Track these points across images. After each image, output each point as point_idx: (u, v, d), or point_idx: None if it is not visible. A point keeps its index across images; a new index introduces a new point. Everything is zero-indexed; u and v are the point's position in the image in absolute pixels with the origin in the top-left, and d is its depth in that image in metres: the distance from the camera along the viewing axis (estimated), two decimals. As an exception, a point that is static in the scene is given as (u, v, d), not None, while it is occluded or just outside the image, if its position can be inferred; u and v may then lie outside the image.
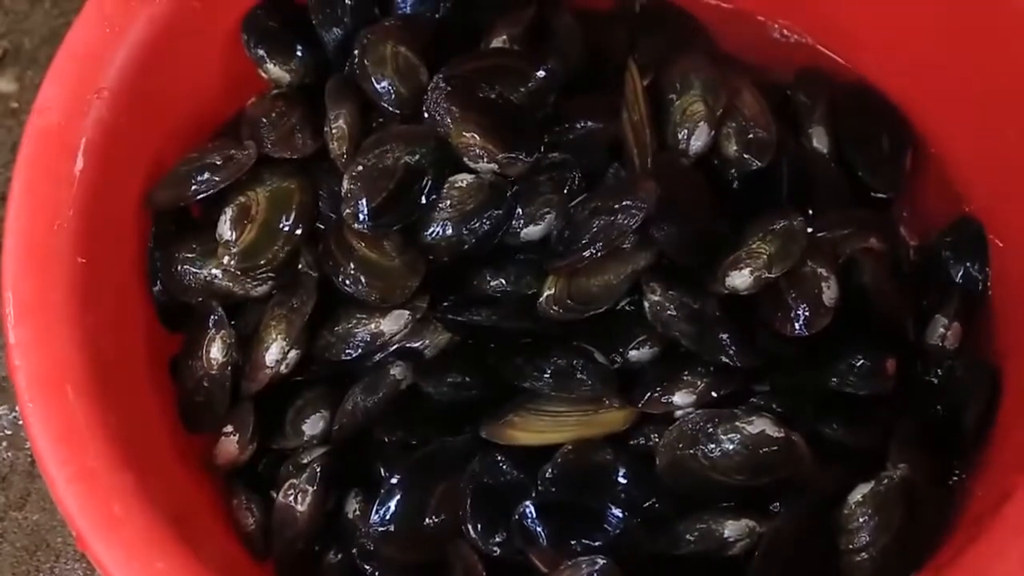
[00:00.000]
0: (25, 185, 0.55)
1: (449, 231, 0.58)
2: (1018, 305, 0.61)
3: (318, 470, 0.57)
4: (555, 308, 0.58)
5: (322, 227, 0.61)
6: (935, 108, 0.66)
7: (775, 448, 0.54)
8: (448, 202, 0.58)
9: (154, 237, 0.61)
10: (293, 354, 0.58)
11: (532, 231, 0.59)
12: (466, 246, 0.58)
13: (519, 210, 0.59)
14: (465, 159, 0.59)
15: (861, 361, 0.57)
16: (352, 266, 0.57)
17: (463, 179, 0.59)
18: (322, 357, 0.59)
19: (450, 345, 0.60)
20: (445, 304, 0.59)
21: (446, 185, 0.59)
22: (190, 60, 0.62)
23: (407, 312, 0.58)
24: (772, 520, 0.54)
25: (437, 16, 0.65)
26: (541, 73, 0.62)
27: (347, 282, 0.57)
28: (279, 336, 0.58)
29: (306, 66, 0.64)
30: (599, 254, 0.56)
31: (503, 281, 0.60)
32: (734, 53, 0.69)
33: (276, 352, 0.58)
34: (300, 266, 0.60)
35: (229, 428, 0.58)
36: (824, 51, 0.69)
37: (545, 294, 0.58)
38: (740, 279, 0.57)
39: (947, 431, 0.58)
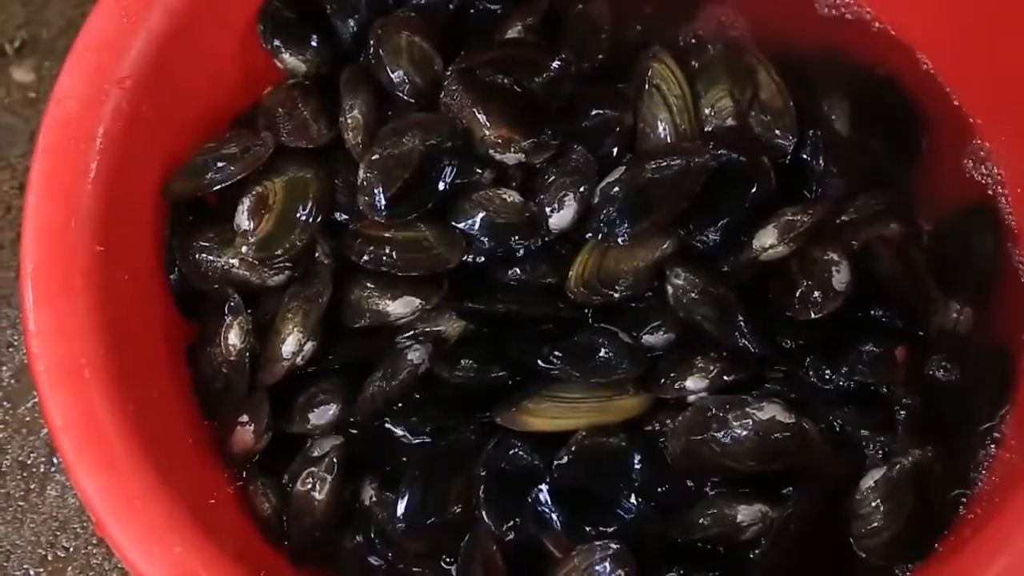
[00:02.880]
0: (44, 174, 0.55)
1: (475, 230, 0.59)
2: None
3: (336, 459, 0.57)
4: (581, 288, 0.58)
5: (338, 217, 0.61)
6: (971, 81, 0.66)
7: (786, 434, 0.55)
8: (482, 204, 0.59)
9: (171, 226, 0.61)
10: (309, 346, 0.59)
11: (560, 218, 0.59)
12: (483, 249, 0.59)
13: (542, 199, 0.60)
14: (490, 151, 0.59)
15: (870, 349, 0.58)
16: (387, 248, 0.58)
17: (510, 195, 0.59)
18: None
19: (466, 332, 0.60)
20: (461, 292, 0.59)
21: (492, 189, 0.59)
22: (207, 50, 0.62)
23: (417, 300, 0.58)
24: (784, 505, 0.55)
25: (452, 6, 0.66)
26: (556, 64, 0.62)
27: (383, 259, 0.57)
28: (295, 328, 0.58)
29: (321, 56, 0.64)
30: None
31: (519, 271, 0.60)
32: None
33: (292, 344, 0.58)
34: (317, 255, 0.60)
35: (245, 418, 0.58)
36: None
37: (572, 274, 0.58)
38: (768, 237, 0.57)
39: (959, 416, 0.58)
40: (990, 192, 0.65)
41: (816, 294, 0.57)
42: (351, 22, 0.64)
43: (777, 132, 0.62)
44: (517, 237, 0.59)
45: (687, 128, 0.62)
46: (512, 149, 0.59)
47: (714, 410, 0.55)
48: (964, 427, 0.58)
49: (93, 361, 0.52)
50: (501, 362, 0.58)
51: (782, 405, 0.55)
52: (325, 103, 0.63)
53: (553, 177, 0.60)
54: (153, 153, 0.60)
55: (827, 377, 0.58)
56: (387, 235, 0.58)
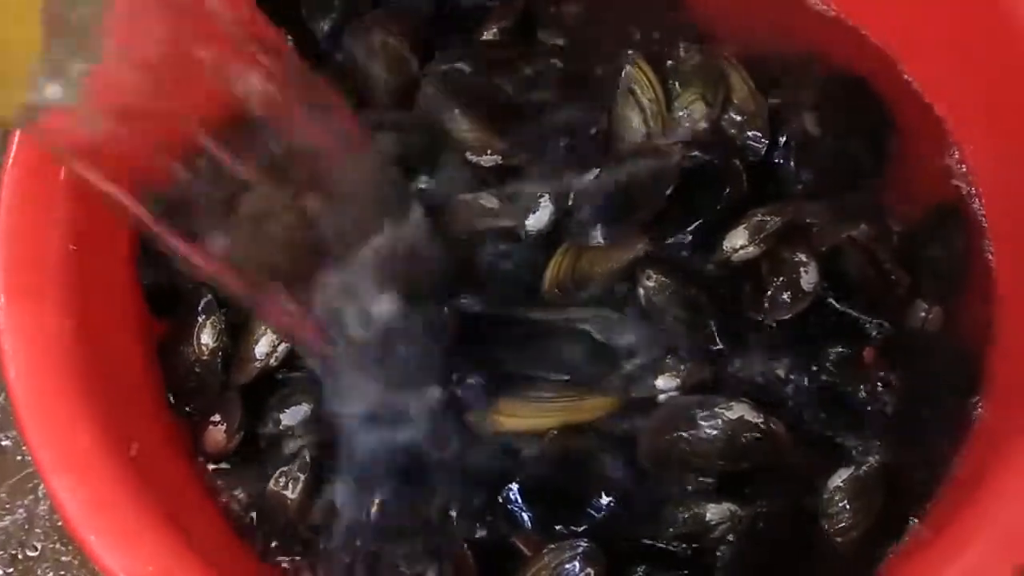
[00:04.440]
0: (16, 173, 0.55)
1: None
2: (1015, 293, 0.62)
3: (308, 458, 0.57)
4: (555, 290, 0.59)
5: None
6: (951, 91, 0.66)
7: (755, 434, 0.55)
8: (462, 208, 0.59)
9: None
10: (283, 347, 0.59)
11: (536, 220, 0.60)
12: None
13: (518, 201, 0.60)
14: (467, 154, 0.59)
15: (839, 350, 0.58)
16: None
17: (486, 197, 0.60)
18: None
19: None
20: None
21: (470, 195, 0.60)
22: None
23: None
24: (754, 504, 0.55)
25: (428, 7, 0.66)
26: (532, 66, 0.62)
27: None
28: (269, 328, 0.58)
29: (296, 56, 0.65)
30: None
31: (494, 272, 0.60)
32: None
33: (266, 344, 0.58)
34: (291, 254, 0.60)
35: (217, 417, 0.58)
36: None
37: (547, 275, 0.59)
38: (738, 238, 0.58)
39: (928, 415, 0.59)
40: (961, 194, 0.65)
41: (785, 295, 0.57)
42: (325, 22, 0.64)
43: (749, 134, 0.63)
44: (493, 239, 0.59)
45: (660, 131, 0.62)
46: (488, 151, 0.59)
47: (684, 409, 0.56)
48: (933, 426, 0.58)
49: (64, 360, 0.52)
50: (472, 362, 0.58)
51: (751, 405, 0.55)
52: (300, 104, 0.63)
53: (529, 179, 0.60)
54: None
55: (796, 377, 0.58)
56: None
